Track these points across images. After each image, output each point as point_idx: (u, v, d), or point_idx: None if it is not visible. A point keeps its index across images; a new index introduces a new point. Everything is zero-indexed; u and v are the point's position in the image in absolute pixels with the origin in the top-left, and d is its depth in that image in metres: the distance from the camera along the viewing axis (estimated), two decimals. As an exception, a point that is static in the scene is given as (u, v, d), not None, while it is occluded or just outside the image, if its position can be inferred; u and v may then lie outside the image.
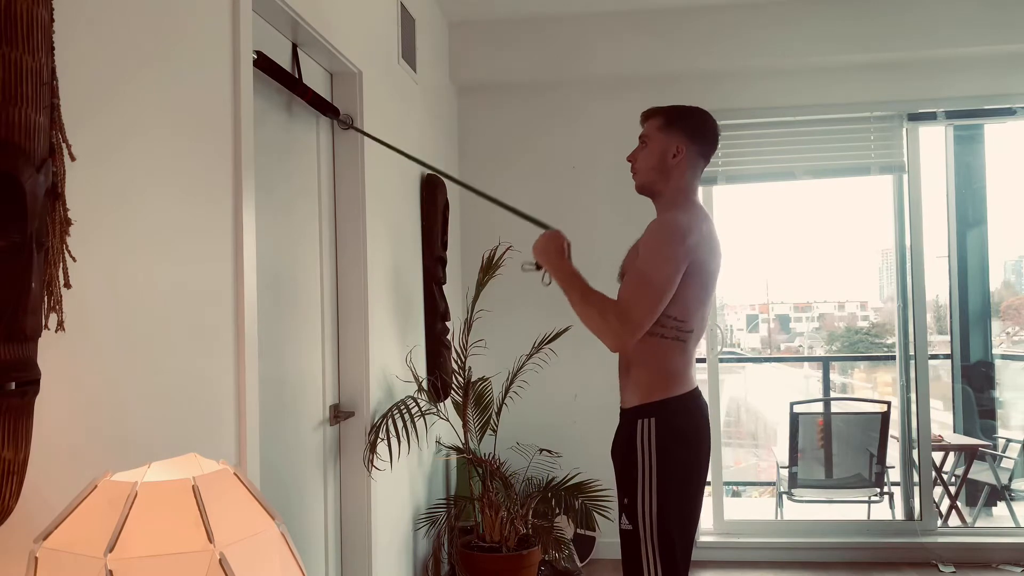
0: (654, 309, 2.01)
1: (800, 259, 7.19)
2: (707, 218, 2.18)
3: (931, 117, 4.16)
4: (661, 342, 2.07)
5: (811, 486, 4.41)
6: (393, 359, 3.04)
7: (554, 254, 2.19)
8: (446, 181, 3.77)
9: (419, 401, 2.95)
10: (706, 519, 4.24)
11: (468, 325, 3.47)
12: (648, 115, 2.24)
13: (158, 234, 1.51)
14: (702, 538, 4.13)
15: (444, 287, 3.62)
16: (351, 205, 2.70)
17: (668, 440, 2.06)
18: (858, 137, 4.19)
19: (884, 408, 4.33)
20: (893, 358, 4.42)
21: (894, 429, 4.34)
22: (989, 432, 4.88)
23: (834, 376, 6.44)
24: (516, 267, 4.05)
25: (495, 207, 4.47)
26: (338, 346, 2.69)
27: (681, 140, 2.16)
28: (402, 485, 3.12)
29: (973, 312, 4.87)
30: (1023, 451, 4.55)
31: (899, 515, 4.33)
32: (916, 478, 4.19)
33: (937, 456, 4.46)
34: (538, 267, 2.25)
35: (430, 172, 3.61)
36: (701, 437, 2.14)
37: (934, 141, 4.52)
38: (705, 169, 2.26)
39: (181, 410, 1.58)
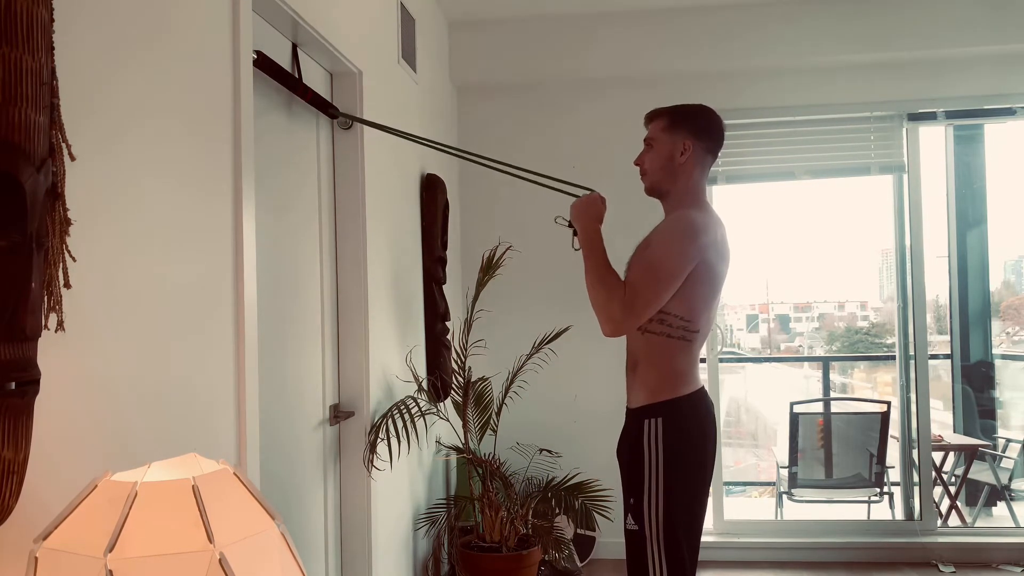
0: (656, 301, 2.02)
1: (800, 259, 7.19)
2: (720, 222, 2.18)
3: (931, 117, 4.16)
4: (668, 342, 2.07)
5: (811, 486, 4.41)
6: (393, 359, 3.04)
7: (591, 215, 2.18)
8: (446, 179, 3.77)
9: (419, 401, 2.95)
10: (706, 519, 4.24)
11: (468, 325, 3.47)
12: (652, 117, 2.24)
13: (158, 234, 1.51)
14: (702, 538, 4.13)
15: (444, 287, 3.62)
16: (351, 205, 2.70)
17: (675, 440, 2.06)
18: (858, 137, 4.19)
19: (884, 408, 4.33)
20: (893, 358, 4.42)
21: (894, 429, 4.34)
22: (989, 432, 4.88)
23: (834, 376, 6.43)
24: (516, 267, 4.06)
25: (495, 206, 4.47)
26: (338, 346, 2.69)
27: (687, 138, 2.16)
28: (402, 485, 3.12)
29: (973, 312, 4.87)
30: (1023, 451, 4.54)
31: (899, 515, 4.33)
32: (916, 478, 4.19)
33: (937, 456, 4.46)
34: (571, 226, 2.23)
35: (430, 172, 3.61)
36: (707, 437, 2.14)
37: (934, 141, 4.52)
38: (711, 167, 2.26)
39: (181, 410, 1.58)
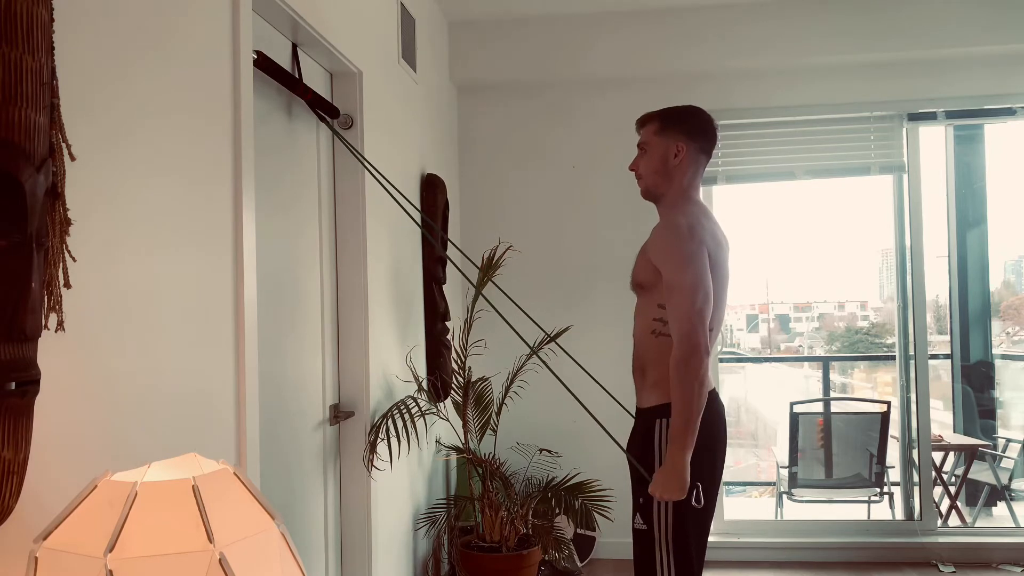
0: (703, 309, 2.01)
1: (800, 259, 7.18)
2: (708, 214, 2.18)
3: (931, 117, 4.16)
4: None
5: (811, 486, 4.41)
6: (393, 359, 3.04)
7: (680, 475, 2.02)
8: (446, 179, 3.78)
9: (419, 401, 2.95)
10: (706, 519, 4.24)
11: (468, 325, 3.47)
12: (643, 121, 2.25)
13: (158, 234, 1.51)
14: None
15: (444, 287, 3.63)
16: (351, 205, 2.70)
17: None
18: (858, 137, 4.19)
19: (884, 408, 4.33)
20: (893, 358, 4.42)
21: (894, 429, 4.33)
22: (989, 432, 4.88)
23: (834, 376, 6.43)
24: (516, 266, 4.06)
25: (495, 206, 4.46)
26: (338, 346, 2.69)
27: (680, 140, 2.17)
28: (402, 485, 3.12)
29: (973, 312, 4.87)
30: (1023, 451, 4.54)
31: (899, 515, 4.32)
32: (916, 478, 4.18)
33: (937, 456, 4.46)
34: (693, 488, 2.09)
35: (430, 172, 3.61)
36: (718, 438, 2.14)
37: (934, 141, 4.51)
38: (706, 167, 2.27)
39: (181, 410, 1.58)
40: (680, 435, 2.00)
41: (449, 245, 3.62)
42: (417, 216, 2.85)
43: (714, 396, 2.16)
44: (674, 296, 2.02)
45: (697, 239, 2.05)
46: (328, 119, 2.57)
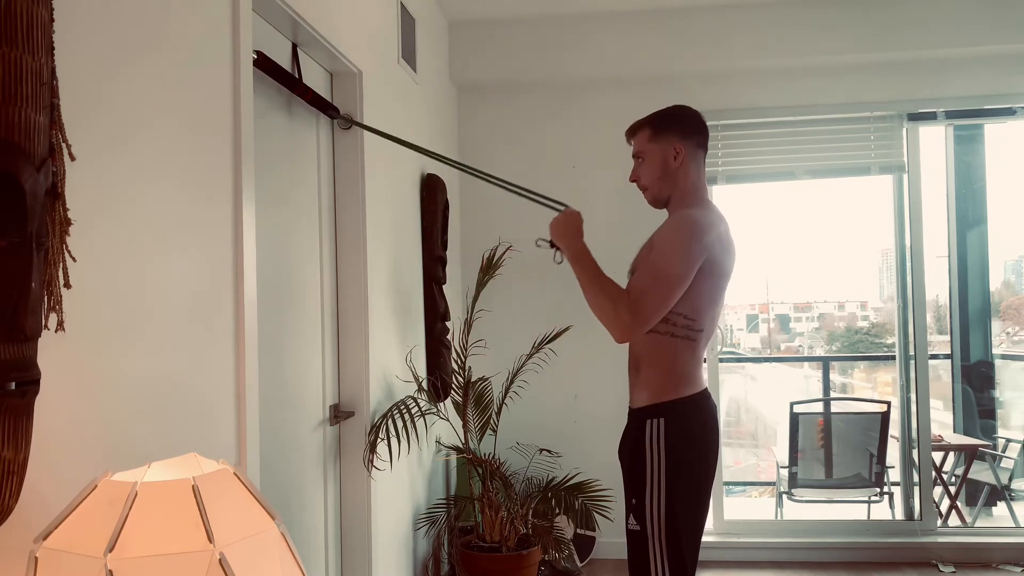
0: (665, 303, 2.01)
1: (800, 259, 7.18)
2: (723, 218, 2.18)
3: (931, 117, 4.16)
4: (672, 341, 2.07)
5: (811, 486, 4.41)
6: (393, 359, 3.04)
7: (572, 233, 2.18)
8: (446, 179, 3.77)
9: (419, 401, 2.95)
10: (706, 519, 4.24)
11: (468, 325, 3.47)
12: (633, 131, 2.24)
13: (158, 234, 1.51)
14: (702, 538, 4.14)
15: (444, 287, 3.63)
16: (351, 204, 2.70)
17: (677, 441, 2.06)
18: (858, 137, 4.19)
19: (884, 408, 4.33)
20: (893, 358, 4.42)
21: (894, 429, 4.34)
22: (989, 432, 4.88)
23: (834, 376, 6.43)
24: (516, 267, 4.06)
25: (495, 206, 4.47)
26: (338, 346, 2.69)
27: (675, 140, 2.17)
28: (402, 485, 3.12)
29: (973, 312, 4.87)
30: (1023, 451, 4.54)
31: (899, 515, 4.33)
32: (916, 478, 4.19)
33: (937, 456, 4.46)
34: (552, 245, 2.23)
35: (430, 172, 3.61)
36: (709, 438, 2.14)
37: (934, 141, 4.52)
38: (705, 161, 2.26)
39: (181, 410, 1.58)
40: (582, 265, 2.12)
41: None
42: (450, 164, 2.81)
43: (705, 396, 2.15)
44: (651, 275, 2.01)
45: (704, 243, 2.04)
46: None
